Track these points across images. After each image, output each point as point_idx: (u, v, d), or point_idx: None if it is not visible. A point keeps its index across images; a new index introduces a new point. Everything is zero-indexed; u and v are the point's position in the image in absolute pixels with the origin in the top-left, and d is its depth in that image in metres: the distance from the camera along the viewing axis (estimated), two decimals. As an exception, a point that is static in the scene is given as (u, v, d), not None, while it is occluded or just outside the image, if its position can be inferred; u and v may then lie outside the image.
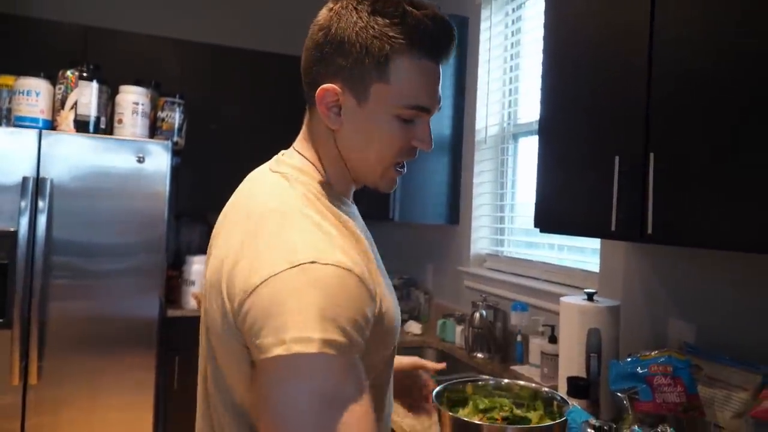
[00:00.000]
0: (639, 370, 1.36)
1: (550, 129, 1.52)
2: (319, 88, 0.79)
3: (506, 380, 1.32)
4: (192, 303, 2.86)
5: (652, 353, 1.37)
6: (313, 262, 0.66)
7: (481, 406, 1.26)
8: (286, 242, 0.69)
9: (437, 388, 1.20)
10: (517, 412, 1.23)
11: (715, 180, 1.08)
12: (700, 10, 1.13)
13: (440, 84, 0.83)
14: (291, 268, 0.65)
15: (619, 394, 1.36)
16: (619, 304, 1.58)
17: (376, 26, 0.76)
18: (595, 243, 1.88)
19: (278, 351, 0.62)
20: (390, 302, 0.81)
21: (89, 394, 2.48)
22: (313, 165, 0.85)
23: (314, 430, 0.61)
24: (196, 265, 2.85)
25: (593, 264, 1.90)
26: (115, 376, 2.52)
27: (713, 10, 1.10)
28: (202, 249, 3.27)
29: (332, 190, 0.84)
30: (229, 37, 3.39)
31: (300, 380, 0.62)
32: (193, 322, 2.83)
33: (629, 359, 1.40)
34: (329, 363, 0.62)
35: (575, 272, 1.98)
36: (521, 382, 1.30)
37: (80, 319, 2.48)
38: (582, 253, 2.01)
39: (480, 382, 1.32)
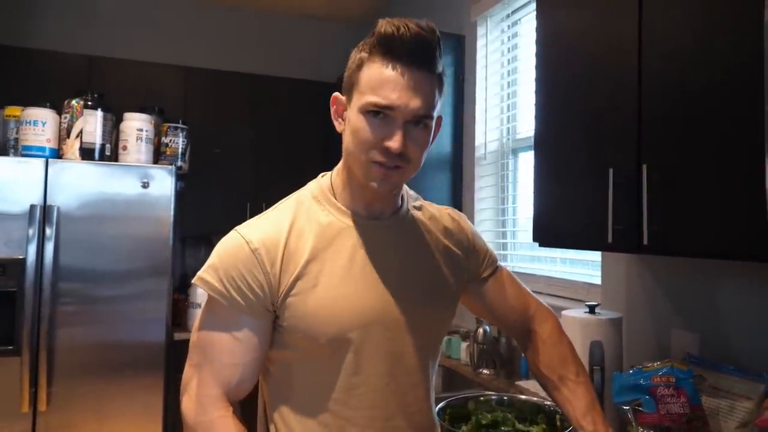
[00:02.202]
0: (642, 381, 1.35)
1: (545, 143, 1.54)
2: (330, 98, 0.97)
3: (508, 395, 1.32)
4: (198, 326, 2.87)
5: (655, 364, 1.37)
6: (235, 230, 0.96)
7: (484, 422, 1.26)
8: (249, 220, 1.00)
9: (440, 405, 1.20)
10: (520, 427, 1.23)
11: (706, 190, 1.09)
12: (688, 27, 1.15)
13: (416, 87, 0.87)
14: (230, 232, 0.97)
15: (623, 407, 1.36)
16: (622, 316, 1.58)
17: (363, 41, 0.92)
18: (596, 255, 1.89)
19: None
20: (326, 293, 0.93)
21: (98, 418, 2.50)
22: (331, 180, 1.03)
23: (195, 328, 0.97)
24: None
25: (596, 276, 1.90)
26: (124, 401, 2.53)
27: (700, 27, 1.12)
28: (208, 271, 3.29)
29: (328, 199, 1.00)
30: (231, 62, 3.46)
31: (205, 302, 0.97)
32: (199, 344, 2.86)
33: (632, 371, 1.40)
34: (207, 297, 0.94)
35: (578, 285, 1.98)
36: (523, 397, 1.29)
37: (88, 344, 2.50)
38: (584, 265, 2.01)
39: (482, 398, 1.31)
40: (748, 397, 1.29)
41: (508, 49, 2.47)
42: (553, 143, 1.51)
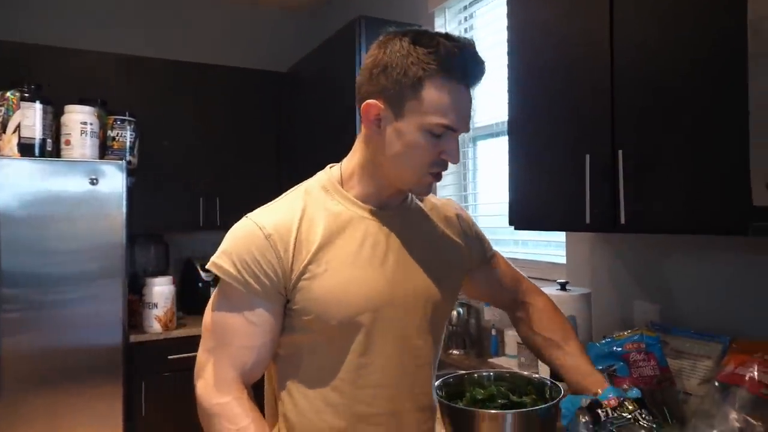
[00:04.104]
0: (615, 349, 1.47)
1: (521, 131, 1.62)
2: (364, 103, 0.96)
3: (497, 371, 1.40)
4: (155, 326, 2.78)
5: (626, 333, 1.49)
6: (246, 217, 0.99)
7: (479, 397, 1.33)
8: (260, 208, 1.02)
9: (435, 384, 1.25)
10: (514, 398, 1.31)
11: (676, 172, 1.21)
12: (656, 20, 1.25)
13: (470, 106, 0.97)
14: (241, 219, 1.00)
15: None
16: (590, 291, 1.70)
17: (414, 54, 0.92)
18: (559, 236, 2.01)
19: None
20: (338, 277, 0.97)
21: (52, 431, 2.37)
22: (341, 172, 1.06)
23: (208, 312, 1.01)
24: (157, 287, 2.78)
25: (558, 256, 2.03)
26: (80, 411, 2.42)
27: (668, 20, 1.23)
28: (161, 271, 3.18)
29: (338, 189, 1.03)
30: (177, 51, 3.34)
31: (217, 287, 1.00)
32: (157, 345, 2.78)
33: (605, 341, 1.51)
34: (222, 279, 0.96)
35: (542, 265, 2.10)
36: (514, 371, 1.38)
37: (38, 353, 2.37)
38: (547, 246, 2.13)
39: (476, 375, 1.39)
40: (707, 357, 1.44)
41: (463, 40, 2.54)
42: (530, 131, 1.59)
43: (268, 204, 1.03)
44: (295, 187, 1.07)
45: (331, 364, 0.99)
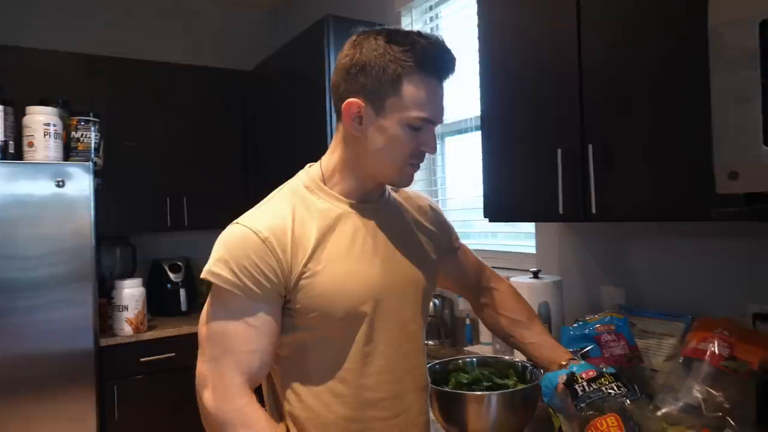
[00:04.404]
0: (587, 331, 1.56)
1: (494, 128, 1.69)
2: (345, 102, 0.99)
3: (480, 356, 1.47)
4: (126, 329, 2.74)
5: (596, 316, 1.59)
6: (237, 223, 1.00)
7: (465, 381, 1.40)
8: (245, 213, 1.03)
9: None
10: (497, 380, 1.38)
11: (644, 164, 1.30)
12: (622, 23, 1.34)
13: (443, 99, 1.02)
14: (228, 226, 1.01)
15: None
16: (561, 278, 1.80)
17: (391, 52, 0.97)
18: (528, 227, 2.11)
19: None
20: (337, 272, 1.01)
21: (23, 440, 2.31)
22: (321, 170, 1.08)
23: (203, 323, 1.00)
24: (127, 290, 2.73)
25: (528, 246, 2.13)
26: (53, 416, 2.37)
27: (633, 23, 1.32)
28: (128, 273, 3.12)
29: (321, 188, 1.06)
30: (139, 50, 3.28)
31: (210, 295, 1.00)
32: (129, 348, 2.74)
33: (576, 324, 1.60)
34: (217, 287, 0.97)
35: (512, 255, 2.19)
36: (496, 356, 1.45)
37: (8, 361, 2.32)
38: (516, 237, 2.23)
39: (459, 361, 1.46)
40: (671, 335, 1.55)
41: (430, 39, 2.60)
42: (502, 128, 1.67)
43: (255, 208, 1.05)
44: (278, 189, 1.09)
45: (336, 356, 1.03)
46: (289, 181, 1.11)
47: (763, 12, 0.87)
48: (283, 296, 0.99)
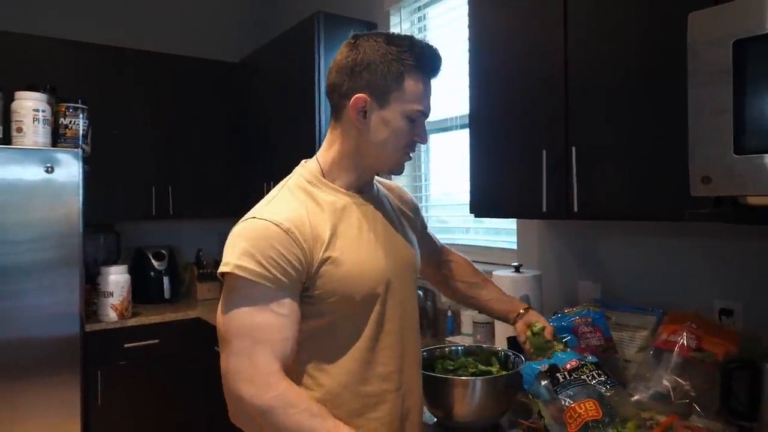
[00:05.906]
0: (565, 323, 1.65)
1: (482, 128, 1.77)
2: (352, 97, 1.08)
3: (464, 345, 1.56)
4: (111, 315, 2.76)
5: (574, 309, 1.68)
6: (253, 218, 1.04)
7: (450, 367, 1.48)
8: (254, 209, 1.08)
9: None
10: (482, 367, 1.46)
11: (621, 168, 1.39)
12: (607, 34, 1.42)
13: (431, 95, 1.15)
14: (242, 222, 1.05)
15: (552, 345, 1.65)
16: (540, 273, 1.89)
17: (393, 52, 1.08)
18: (509, 224, 2.19)
19: (220, 270, 1.02)
20: (354, 258, 1.08)
21: (8, 422, 2.32)
22: (319, 165, 1.16)
23: (224, 319, 1.01)
24: (113, 276, 2.75)
25: (508, 242, 2.21)
26: (38, 400, 2.38)
27: (617, 36, 1.40)
28: (112, 260, 3.13)
29: (322, 182, 1.13)
30: (128, 40, 3.27)
31: (226, 290, 1.02)
32: (113, 334, 2.76)
33: (555, 316, 1.69)
34: (243, 281, 0.99)
35: (493, 251, 2.28)
36: (482, 345, 1.53)
37: (-9, 345, 2.30)
38: (497, 233, 2.31)
39: (446, 349, 1.54)
40: (644, 328, 1.65)
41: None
42: (490, 128, 1.74)
43: (264, 204, 1.09)
44: (279, 185, 1.15)
45: (351, 336, 1.10)
46: (289, 177, 1.17)
47: (737, 33, 0.96)
48: (302, 284, 1.05)
